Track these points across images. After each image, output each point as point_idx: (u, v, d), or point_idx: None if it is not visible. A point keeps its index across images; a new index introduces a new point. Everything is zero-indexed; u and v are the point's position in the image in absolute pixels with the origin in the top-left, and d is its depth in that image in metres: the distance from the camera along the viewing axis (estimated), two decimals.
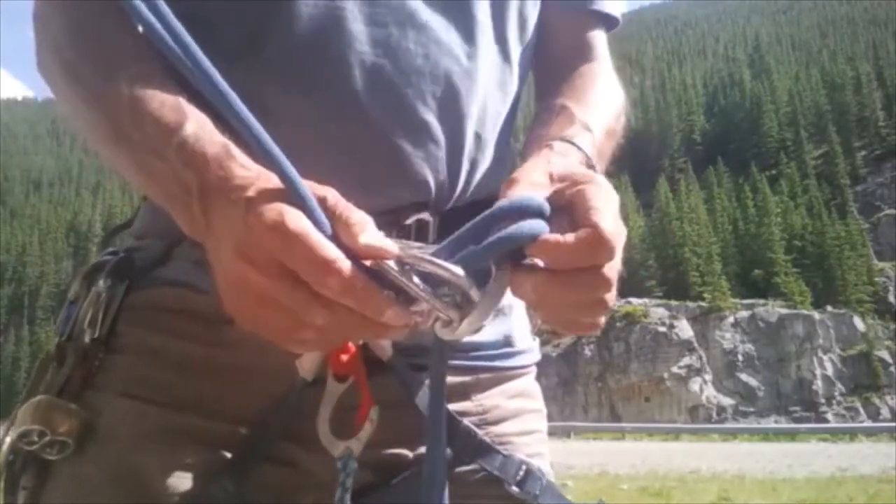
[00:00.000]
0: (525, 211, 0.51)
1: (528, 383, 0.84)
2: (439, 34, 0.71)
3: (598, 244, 0.53)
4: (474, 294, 0.50)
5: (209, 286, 0.59)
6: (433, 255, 0.51)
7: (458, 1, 0.74)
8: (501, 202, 0.53)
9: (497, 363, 0.79)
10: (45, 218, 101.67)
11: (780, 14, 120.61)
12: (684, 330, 47.89)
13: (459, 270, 0.50)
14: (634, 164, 76.89)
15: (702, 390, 46.01)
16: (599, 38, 0.89)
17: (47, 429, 0.64)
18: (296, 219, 0.50)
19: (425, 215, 0.71)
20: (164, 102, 0.59)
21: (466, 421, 0.75)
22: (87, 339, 0.69)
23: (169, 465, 0.65)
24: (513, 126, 0.83)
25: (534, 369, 0.86)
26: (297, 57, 0.68)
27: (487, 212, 0.52)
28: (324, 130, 0.68)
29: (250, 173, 0.54)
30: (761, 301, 50.82)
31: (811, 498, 9.30)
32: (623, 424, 35.56)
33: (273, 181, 0.53)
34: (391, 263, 0.50)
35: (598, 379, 47.87)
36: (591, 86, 0.82)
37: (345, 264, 0.49)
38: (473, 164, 0.75)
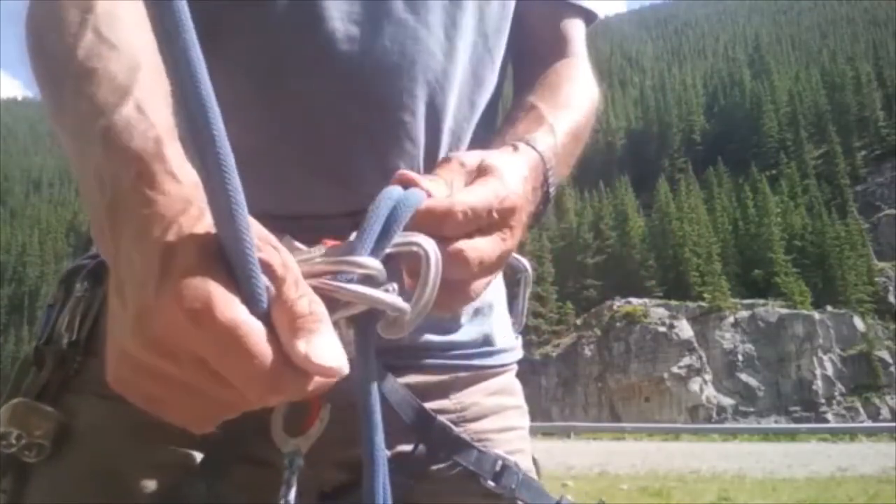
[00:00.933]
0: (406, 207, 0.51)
1: (509, 381, 0.84)
2: (417, 31, 0.70)
3: (443, 211, 0.53)
4: (393, 289, 0.49)
5: None
6: (349, 254, 0.48)
7: (441, 4, 0.72)
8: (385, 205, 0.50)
9: (475, 362, 0.79)
10: (45, 218, 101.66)
11: (780, 14, 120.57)
12: (684, 330, 47.89)
13: (375, 262, 0.48)
14: (634, 164, 76.91)
15: (702, 390, 46.02)
16: (577, 32, 0.87)
17: (24, 432, 0.64)
18: (229, 310, 0.39)
19: None
20: (115, 75, 0.50)
21: (444, 418, 0.74)
22: (64, 342, 0.68)
23: (146, 465, 0.65)
24: (493, 118, 0.82)
25: (515, 367, 0.85)
26: (272, 53, 0.67)
27: (378, 214, 0.50)
28: (299, 128, 0.67)
29: (176, 196, 0.43)
30: (761, 301, 50.82)
31: (811, 498, 9.30)
32: (623, 424, 35.55)
33: (204, 216, 0.42)
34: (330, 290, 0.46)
35: (598, 379, 47.87)
36: (565, 84, 0.80)
37: (293, 376, 0.41)
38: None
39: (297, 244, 0.55)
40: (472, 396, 0.78)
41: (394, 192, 0.51)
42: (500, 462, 0.74)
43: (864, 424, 35.98)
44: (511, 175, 0.59)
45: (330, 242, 0.55)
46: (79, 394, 0.67)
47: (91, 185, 0.48)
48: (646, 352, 47.03)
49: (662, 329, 47.71)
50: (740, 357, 48.06)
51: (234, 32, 0.67)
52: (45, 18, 0.58)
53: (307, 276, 0.45)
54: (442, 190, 0.56)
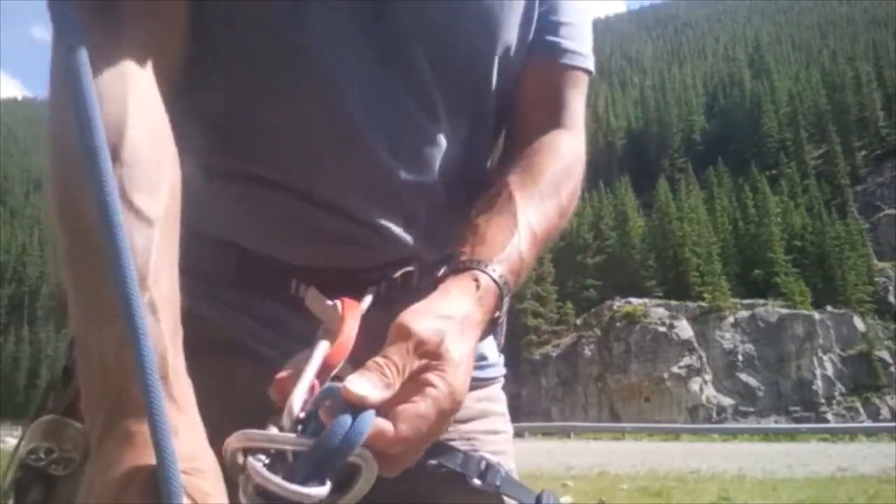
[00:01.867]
0: (350, 447, 0.52)
1: (496, 391, 0.92)
2: (434, 129, 0.79)
3: (392, 443, 0.55)
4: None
5: (218, 317, 0.69)
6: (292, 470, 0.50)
7: (449, 98, 0.79)
8: (332, 440, 0.51)
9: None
10: (45, 218, 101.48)
11: (780, 14, 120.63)
12: (684, 330, 47.91)
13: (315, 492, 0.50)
14: (634, 164, 76.93)
15: (702, 390, 46.03)
16: (574, 96, 0.88)
17: (54, 446, 0.67)
18: None
19: (410, 268, 0.81)
20: (136, 257, 0.52)
21: None
22: None
23: None
24: (486, 170, 0.89)
25: (501, 380, 0.93)
26: (300, 143, 0.75)
27: (325, 447, 0.51)
28: (322, 205, 0.76)
29: (131, 443, 0.47)
30: (761, 301, 50.84)
31: (811, 498, 9.29)
32: (623, 424, 35.61)
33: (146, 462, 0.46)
34: None
35: (598, 379, 47.90)
36: (548, 171, 0.81)
37: None
38: (455, 228, 0.80)
39: (322, 298, 0.66)
40: (464, 402, 0.88)
41: (342, 426, 0.52)
42: (484, 462, 0.81)
43: (864, 424, 35.98)
44: (462, 365, 0.61)
45: (347, 301, 0.65)
46: None
47: (90, 376, 0.51)
48: (646, 352, 47.05)
49: (662, 329, 47.73)
50: (740, 357, 48.07)
51: (265, 128, 0.75)
52: (72, 163, 0.54)
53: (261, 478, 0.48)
54: (390, 386, 0.56)
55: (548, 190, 0.80)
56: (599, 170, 71.50)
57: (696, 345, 47.39)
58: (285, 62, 0.73)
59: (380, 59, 0.75)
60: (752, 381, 47.35)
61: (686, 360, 46.56)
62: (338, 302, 0.64)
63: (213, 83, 0.74)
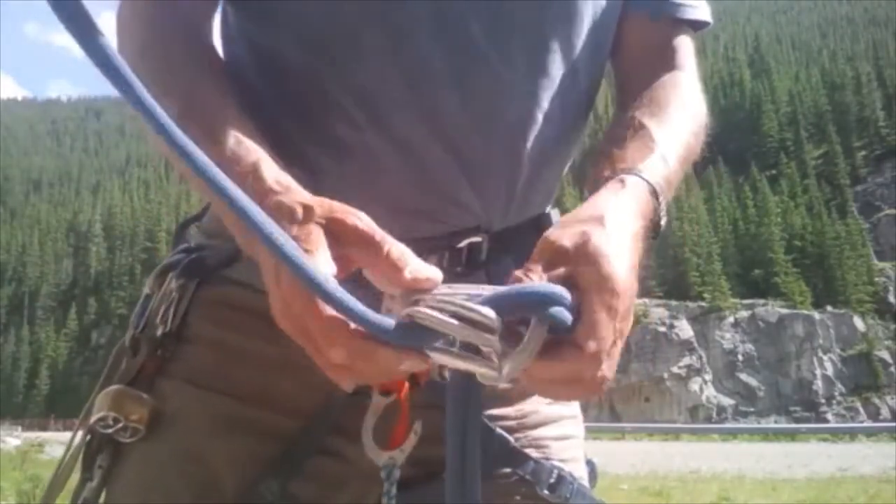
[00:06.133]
0: (550, 300, 0.51)
1: None
2: (508, 75, 0.73)
3: (579, 366, 0.53)
4: (502, 345, 0.50)
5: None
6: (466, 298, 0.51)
7: (526, 38, 0.74)
8: (530, 288, 0.51)
9: None
10: (45, 218, 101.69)
11: (780, 14, 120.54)
12: (684, 330, 47.91)
13: (490, 312, 0.49)
14: None
15: (702, 390, 46.04)
16: (683, 42, 0.85)
17: (121, 415, 0.70)
18: (325, 311, 0.51)
19: (477, 238, 0.75)
20: (216, 117, 0.63)
21: (504, 425, 0.78)
22: (158, 332, 0.74)
23: (229, 452, 0.70)
24: (574, 139, 0.84)
25: None
26: (370, 93, 0.71)
27: (513, 290, 0.51)
28: (389, 164, 0.72)
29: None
30: (761, 301, 50.85)
31: (811, 498, 9.28)
32: (623, 424, 35.59)
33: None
34: (426, 309, 0.50)
35: None
36: (672, 101, 0.78)
37: (341, 337, 0.51)
38: (527, 193, 0.78)
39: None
40: (533, 405, 0.81)
41: (557, 291, 0.52)
42: (555, 472, 0.77)
43: (864, 424, 35.99)
44: (615, 256, 0.57)
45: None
46: (171, 379, 0.73)
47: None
48: (646, 352, 47.04)
49: (662, 329, 47.72)
50: (740, 357, 48.07)
51: (340, 76, 0.72)
52: (141, 64, 0.66)
53: (440, 299, 0.50)
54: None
55: (677, 112, 0.76)
56: None
57: (696, 345, 47.40)
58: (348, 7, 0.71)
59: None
60: (752, 381, 47.35)
61: (686, 360, 46.56)
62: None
63: (282, 31, 0.73)
